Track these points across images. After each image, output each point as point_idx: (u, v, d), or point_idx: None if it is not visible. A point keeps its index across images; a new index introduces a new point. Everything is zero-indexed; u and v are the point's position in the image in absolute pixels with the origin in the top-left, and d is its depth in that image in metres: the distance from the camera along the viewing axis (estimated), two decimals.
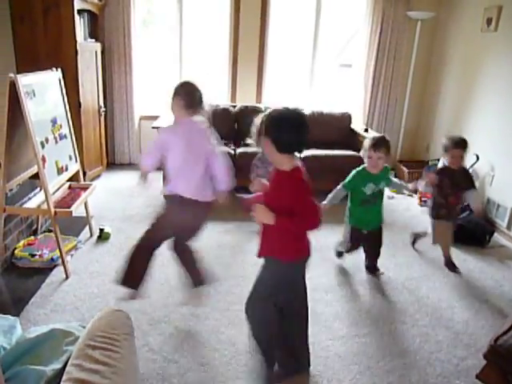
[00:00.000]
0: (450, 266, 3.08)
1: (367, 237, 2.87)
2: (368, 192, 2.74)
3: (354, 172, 2.78)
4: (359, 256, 3.20)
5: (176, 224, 2.24)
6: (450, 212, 2.99)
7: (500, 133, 3.85)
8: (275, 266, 1.79)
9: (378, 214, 2.88)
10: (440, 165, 3.02)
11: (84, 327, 1.43)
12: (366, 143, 2.70)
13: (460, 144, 2.87)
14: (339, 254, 3.09)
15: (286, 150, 1.66)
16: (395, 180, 2.97)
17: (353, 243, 2.91)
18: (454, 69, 4.68)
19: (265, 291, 1.83)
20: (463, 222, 3.51)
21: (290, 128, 1.65)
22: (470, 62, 4.36)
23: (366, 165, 2.73)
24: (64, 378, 1.16)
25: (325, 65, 5.30)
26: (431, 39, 5.05)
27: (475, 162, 4.03)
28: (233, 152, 4.17)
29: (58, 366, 1.30)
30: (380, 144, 2.65)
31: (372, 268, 2.97)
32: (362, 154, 2.78)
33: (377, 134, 2.84)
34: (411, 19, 4.75)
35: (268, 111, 1.71)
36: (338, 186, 2.80)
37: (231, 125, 4.67)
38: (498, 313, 2.59)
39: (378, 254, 2.96)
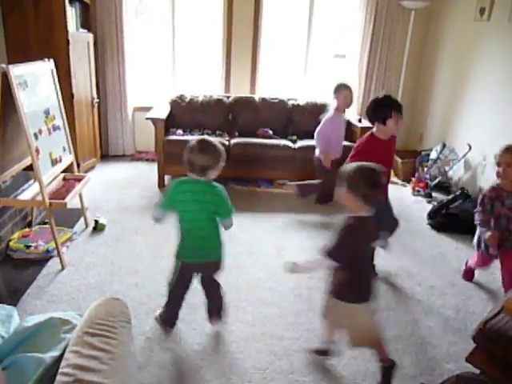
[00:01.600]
0: None
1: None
2: None
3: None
4: None
5: None
6: None
7: (493, 122, 3.89)
8: None
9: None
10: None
11: (81, 316, 1.45)
12: None
13: None
14: None
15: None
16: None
17: None
18: (448, 58, 4.69)
19: None
20: (456, 210, 3.56)
21: None
22: (464, 51, 4.38)
23: None
24: (63, 364, 1.18)
25: (319, 55, 5.28)
26: (425, 29, 5.05)
27: (468, 152, 4.07)
28: (227, 143, 4.18)
29: (56, 353, 1.32)
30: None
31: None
32: None
33: None
34: (405, 9, 4.75)
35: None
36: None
37: (225, 115, 4.66)
38: (489, 299, 2.64)
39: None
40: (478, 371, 1.79)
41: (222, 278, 2.71)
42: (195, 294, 2.52)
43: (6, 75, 2.40)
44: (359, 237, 1.73)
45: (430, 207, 3.84)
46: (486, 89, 4.02)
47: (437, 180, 4.33)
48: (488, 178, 3.87)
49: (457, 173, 4.37)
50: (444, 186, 4.39)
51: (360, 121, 4.44)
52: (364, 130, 4.25)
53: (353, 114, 4.85)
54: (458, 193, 3.74)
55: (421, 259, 3.10)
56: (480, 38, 4.11)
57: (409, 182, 4.61)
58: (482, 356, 1.69)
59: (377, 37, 4.88)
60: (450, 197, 3.73)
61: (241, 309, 2.42)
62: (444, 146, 4.35)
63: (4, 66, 2.40)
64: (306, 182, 3.81)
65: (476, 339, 1.70)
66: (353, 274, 1.76)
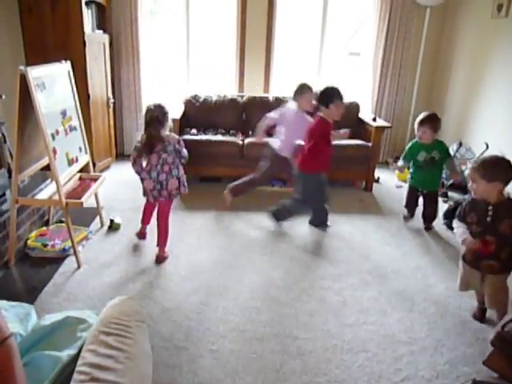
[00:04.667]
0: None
1: (424, 196, 3.55)
2: (420, 159, 3.39)
3: (409, 144, 3.51)
4: (367, 246, 3.22)
5: None
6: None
7: (510, 120, 3.81)
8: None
9: (433, 178, 3.48)
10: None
11: (97, 315, 1.47)
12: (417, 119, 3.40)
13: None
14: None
15: None
16: (450, 160, 3.46)
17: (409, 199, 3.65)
18: (464, 56, 4.62)
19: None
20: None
21: None
22: (480, 48, 4.30)
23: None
24: (79, 362, 1.20)
25: (333, 53, 5.25)
26: (440, 26, 4.98)
27: (485, 150, 4.00)
28: (241, 142, 4.18)
29: (73, 351, 1.34)
30: (424, 120, 3.35)
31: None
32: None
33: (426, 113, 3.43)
34: (420, 6, 4.69)
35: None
36: (400, 161, 3.60)
37: (239, 115, 4.67)
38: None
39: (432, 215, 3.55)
40: (495, 375, 1.76)
41: (235, 277, 2.73)
42: (209, 292, 2.54)
43: (24, 77, 2.44)
44: None
45: (445, 207, 3.78)
46: (503, 87, 3.94)
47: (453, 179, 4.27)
48: None
49: None
50: (460, 186, 4.32)
51: (374, 120, 4.40)
52: (378, 128, 4.23)
53: (367, 113, 4.82)
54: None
55: (436, 260, 3.06)
56: (497, 36, 4.03)
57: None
58: (499, 360, 1.66)
59: (392, 34, 4.83)
60: (467, 196, 3.66)
61: (255, 308, 2.42)
62: (460, 144, 4.28)
63: (22, 68, 2.44)
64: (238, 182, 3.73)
65: (494, 342, 1.67)
66: None
